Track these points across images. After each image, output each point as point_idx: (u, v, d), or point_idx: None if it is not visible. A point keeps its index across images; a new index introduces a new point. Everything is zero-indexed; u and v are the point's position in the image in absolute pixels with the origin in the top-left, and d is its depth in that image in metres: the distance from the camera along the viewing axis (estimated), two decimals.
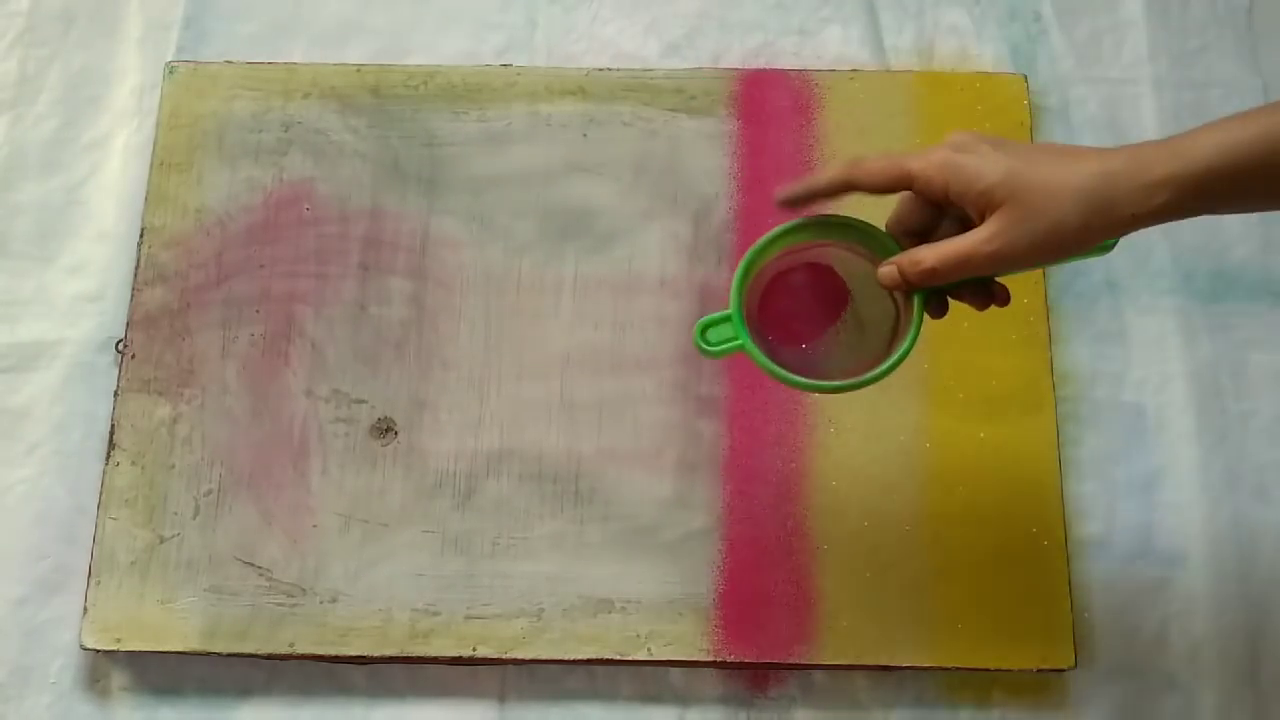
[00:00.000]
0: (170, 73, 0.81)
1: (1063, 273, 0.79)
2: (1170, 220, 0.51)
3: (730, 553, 0.72)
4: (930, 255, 0.53)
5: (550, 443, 0.74)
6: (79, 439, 0.76)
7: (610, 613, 0.70)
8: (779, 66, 0.84)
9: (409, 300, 0.76)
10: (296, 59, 0.83)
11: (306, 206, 0.78)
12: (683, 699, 0.71)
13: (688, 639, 0.70)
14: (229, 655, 0.70)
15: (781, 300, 0.59)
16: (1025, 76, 0.82)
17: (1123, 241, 0.80)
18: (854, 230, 0.57)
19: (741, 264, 0.57)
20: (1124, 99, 0.84)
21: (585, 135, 0.80)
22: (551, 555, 0.72)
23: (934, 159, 0.52)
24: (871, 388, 0.74)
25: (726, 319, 0.56)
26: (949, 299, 0.56)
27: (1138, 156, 0.50)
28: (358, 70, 0.82)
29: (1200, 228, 0.80)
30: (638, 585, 0.71)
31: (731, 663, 0.70)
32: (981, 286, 0.55)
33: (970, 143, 0.53)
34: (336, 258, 0.77)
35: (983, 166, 0.51)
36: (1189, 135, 0.50)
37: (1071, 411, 0.76)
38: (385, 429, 0.74)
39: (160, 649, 0.70)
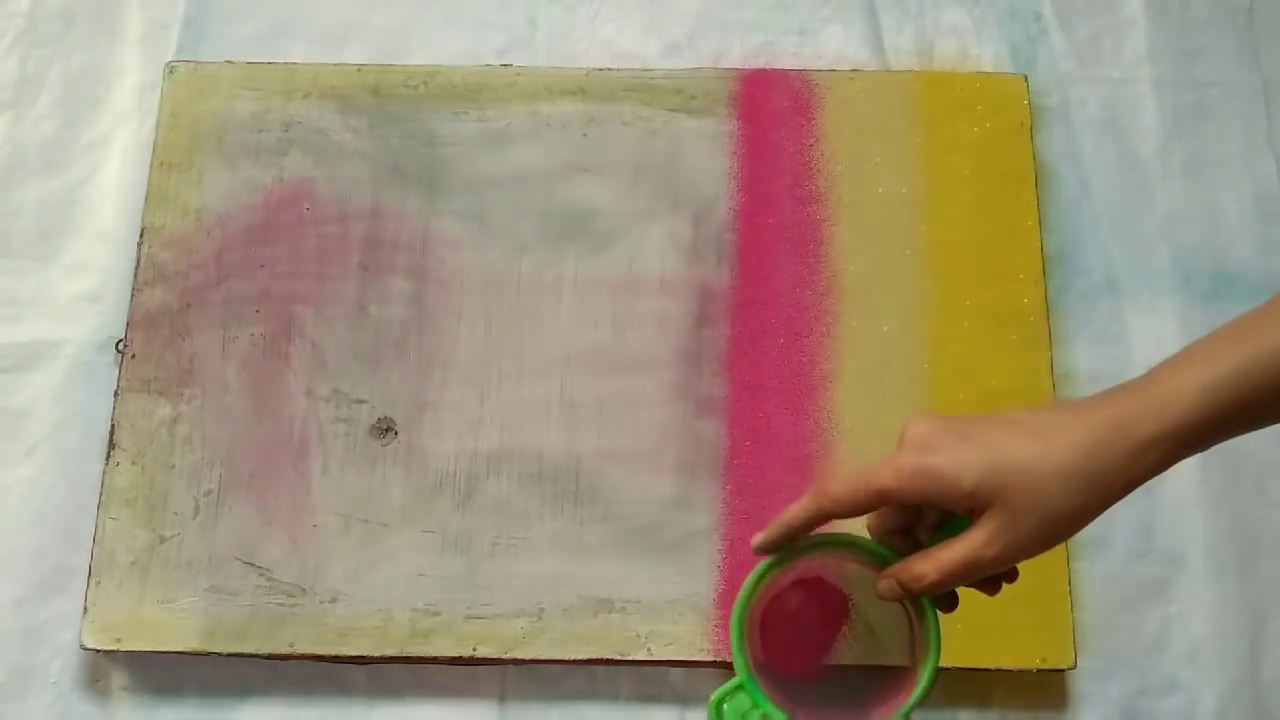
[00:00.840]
0: (170, 73, 0.81)
1: (1063, 273, 0.79)
2: (1167, 469, 0.48)
3: (730, 553, 0.72)
4: (931, 569, 0.48)
5: (550, 443, 0.74)
6: (79, 439, 0.76)
7: (610, 613, 0.70)
8: (779, 66, 0.84)
9: (409, 300, 0.76)
10: (297, 59, 0.83)
11: (306, 206, 0.78)
12: (683, 699, 0.71)
13: (688, 639, 0.70)
14: (229, 655, 0.70)
15: (781, 629, 0.55)
16: (1025, 76, 0.82)
17: (1123, 242, 0.81)
18: (837, 546, 0.53)
19: (733, 623, 0.52)
20: (1124, 99, 0.84)
21: (585, 135, 0.80)
22: (551, 555, 0.72)
23: (905, 470, 0.48)
24: (873, 390, 0.74)
25: (740, 688, 0.52)
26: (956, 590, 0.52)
27: (1117, 421, 0.46)
28: (358, 70, 0.82)
29: (1201, 227, 0.81)
30: (638, 585, 0.71)
31: (729, 663, 0.70)
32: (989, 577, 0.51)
33: (934, 438, 0.48)
34: (337, 258, 0.77)
35: (959, 469, 0.47)
36: (1167, 380, 0.47)
37: None
38: (385, 429, 0.74)
39: (160, 649, 0.70)
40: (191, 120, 0.80)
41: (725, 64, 0.84)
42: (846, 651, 0.55)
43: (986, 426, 0.48)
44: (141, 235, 0.78)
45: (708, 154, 0.80)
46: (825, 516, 0.51)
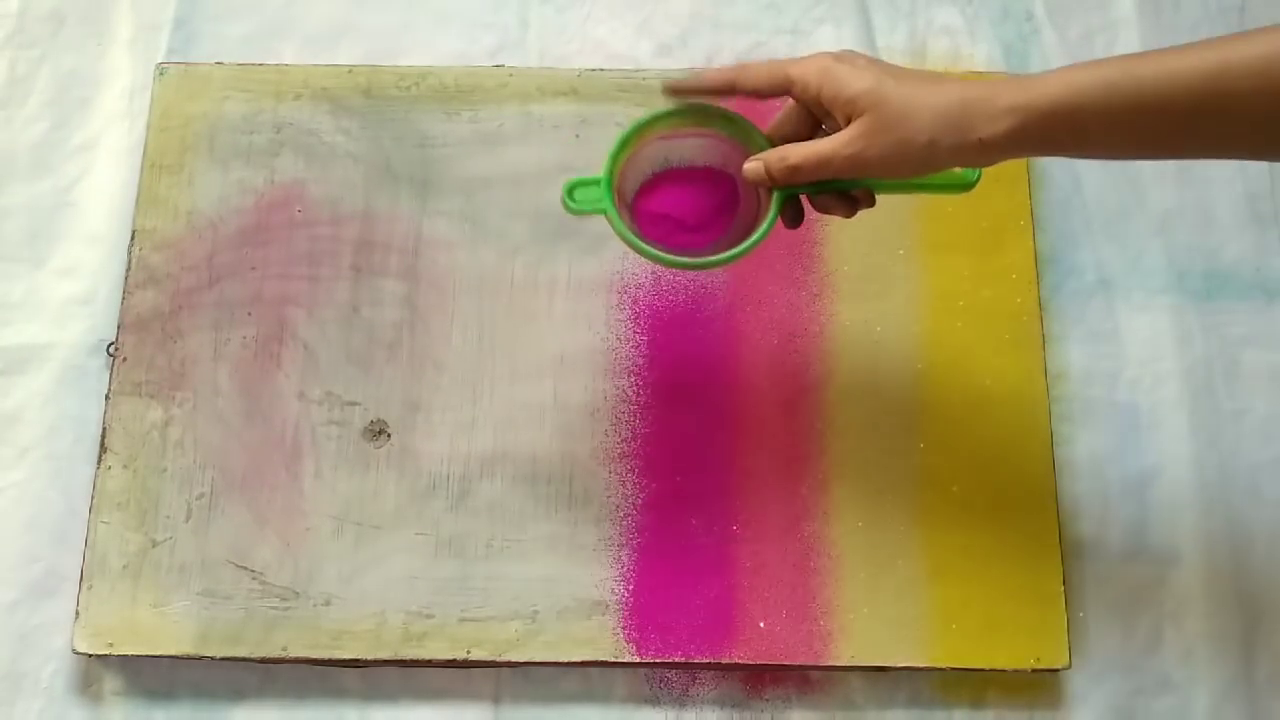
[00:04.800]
0: (161, 74, 0.81)
1: (1056, 272, 0.79)
2: (1018, 153, 0.55)
3: (726, 554, 0.71)
4: (795, 153, 0.57)
5: (544, 444, 0.73)
6: (70, 443, 0.75)
7: (605, 614, 0.70)
8: None
9: (401, 302, 0.76)
10: (288, 60, 0.83)
11: (298, 208, 0.78)
12: (678, 701, 0.71)
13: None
14: (222, 659, 0.69)
15: (668, 199, 0.63)
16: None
17: (1116, 242, 0.81)
18: (733, 124, 0.61)
19: (620, 136, 0.61)
20: None
21: (578, 136, 0.80)
22: (545, 557, 0.71)
23: (811, 66, 0.56)
24: (866, 391, 0.74)
25: (596, 182, 0.60)
26: (817, 209, 0.61)
27: (993, 87, 0.54)
28: (349, 71, 0.81)
29: (1193, 226, 0.81)
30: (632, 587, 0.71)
31: (726, 664, 0.70)
32: (844, 195, 0.60)
33: (848, 56, 0.56)
34: (328, 259, 0.77)
35: (852, 76, 0.55)
36: (1046, 73, 0.54)
37: (1065, 411, 0.76)
38: (378, 431, 0.74)
39: (153, 653, 0.69)
40: (182, 122, 0.80)
41: (718, 64, 0.84)
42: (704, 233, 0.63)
43: (899, 67, 0.56)
44: (132, 238, 0.77)
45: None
46: (735, 87, 0.59)
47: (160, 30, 0.85)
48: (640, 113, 0.62)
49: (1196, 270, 0.80)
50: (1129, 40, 0.85)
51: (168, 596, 0.70)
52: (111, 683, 0.71)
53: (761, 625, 0.70)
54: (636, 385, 0.75)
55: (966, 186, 0.60)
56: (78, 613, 0.70)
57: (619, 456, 0.73)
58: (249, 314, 0.76)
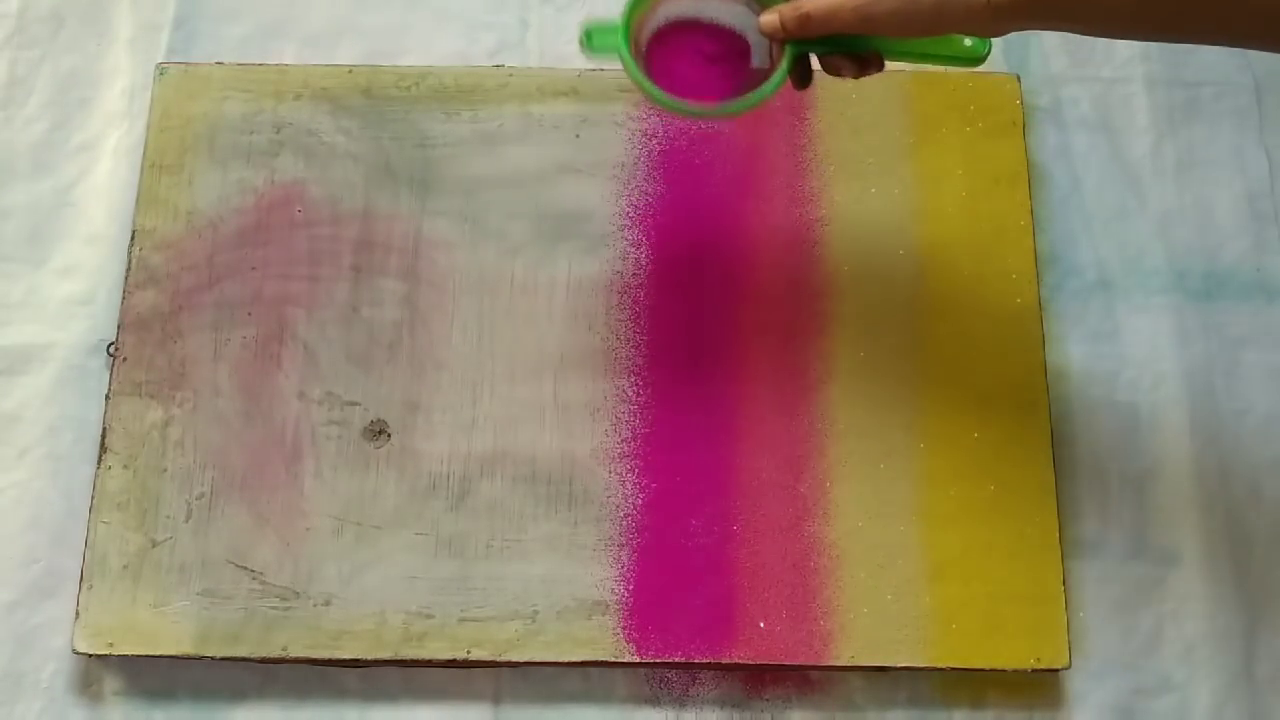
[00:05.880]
0: (161, 74, 0.81)
1: (1056, 272, 0.79)
2: (1027, 22, 0.56)
3: (725, 553, 0.71)
4: (808, 2, 0.59)
5: (544, 444, 0.73)
6: (70, 443, 0.75)
7: (605, 614, 0.70)
8: None
9: (401, 302, 0.76)
10: (288, 60, 0.83)
11: (298, 208, 0.78)
12: (678, 701, 0.71)
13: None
14: (222, 659, 0.69)
15: (677, 52, 0.65)
16: (1018, 76, 0.82)
17: (1116, 241, 0.81)
18: None
19: None
20: (1116, 98, 0.84)
21: (578, 136, 0.80)
22: (545, 557, 0.71)
23: None
24: (866, 391, 0.74)
25: (614, 29, 0.61)
26: (827, 70, 0.63)
27: None
28: (349, 71, 0.81)
29: (1193, 227, 0.81)
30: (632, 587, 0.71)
31: (726, 664, 0.70)
32: (853, 56, 0.62)
33: None
34: (328, 260, 0.77)
35: None
36: None
37: (1065, 411, 0.76)
38: (378, 431, 0.74)
39: (153, 653, 0.69)
40: (182, 122, 0.80)
41: None
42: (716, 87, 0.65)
43: None
44: (132, 238, 0.77)
45: (700, 155, 0.79)
46: None
47: (160, 30, 0.85)
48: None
49: (1196, 270, 0.80)
50: (1130, 41, 0.85)
51: (168, 596, 0.70)
52: (111, 683, 0.71)
53: (761, 625, 0.70)
54: (636, 385, 0.75)
55: (976, 60, 0.62)
56: (78, 613, 0.70)
57: (619, 456, 0.73)
58: (249, 314, 0.76)
